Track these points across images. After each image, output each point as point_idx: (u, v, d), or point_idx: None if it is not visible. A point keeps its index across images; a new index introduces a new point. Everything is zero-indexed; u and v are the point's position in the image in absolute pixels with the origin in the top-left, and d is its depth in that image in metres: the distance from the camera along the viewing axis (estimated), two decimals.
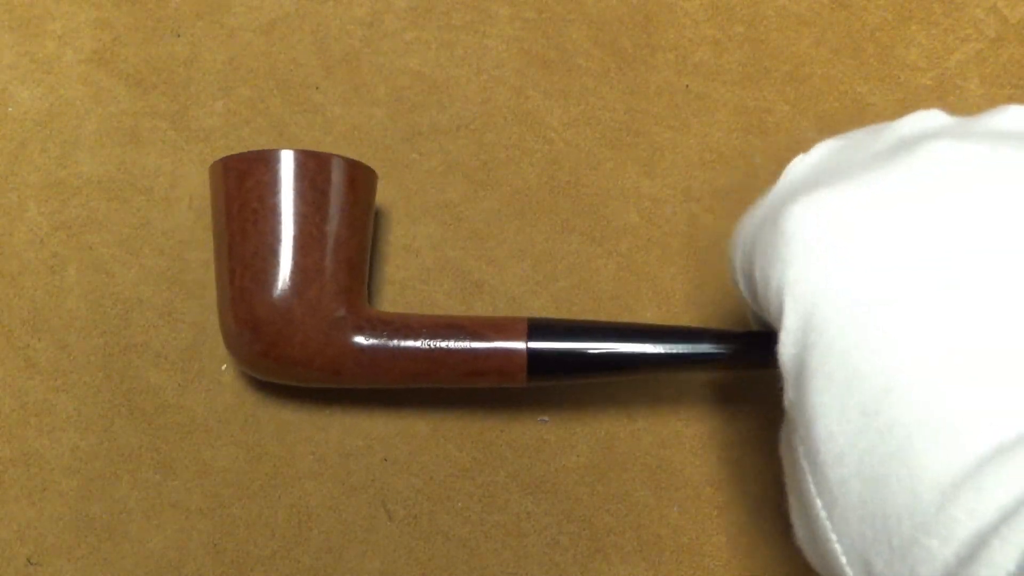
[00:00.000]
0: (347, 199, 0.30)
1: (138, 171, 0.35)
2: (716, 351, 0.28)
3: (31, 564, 0.32)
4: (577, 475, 0.33)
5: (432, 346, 0.29)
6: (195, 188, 0.35)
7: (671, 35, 0.36)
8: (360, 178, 0.31)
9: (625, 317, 0.34)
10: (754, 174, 0.35)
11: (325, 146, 0.35)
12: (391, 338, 0.30)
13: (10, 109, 0.35)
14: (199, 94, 0.35)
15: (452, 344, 0.29)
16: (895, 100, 0.35)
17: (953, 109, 0.36)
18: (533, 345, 0.29)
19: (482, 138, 0.35)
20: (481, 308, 0.34)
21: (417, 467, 0.33)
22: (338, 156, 0.30)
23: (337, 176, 0.30)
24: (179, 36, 0.36)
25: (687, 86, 0.35)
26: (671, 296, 0.34)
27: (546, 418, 0.33)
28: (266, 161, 0.29)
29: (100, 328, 0.33)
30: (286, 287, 0.29)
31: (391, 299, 0.34)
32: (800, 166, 0.26)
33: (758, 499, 0.33)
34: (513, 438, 0.33)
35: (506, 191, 0.35)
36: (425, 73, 0.36)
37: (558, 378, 0.29)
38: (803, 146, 0.36)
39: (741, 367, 0.29)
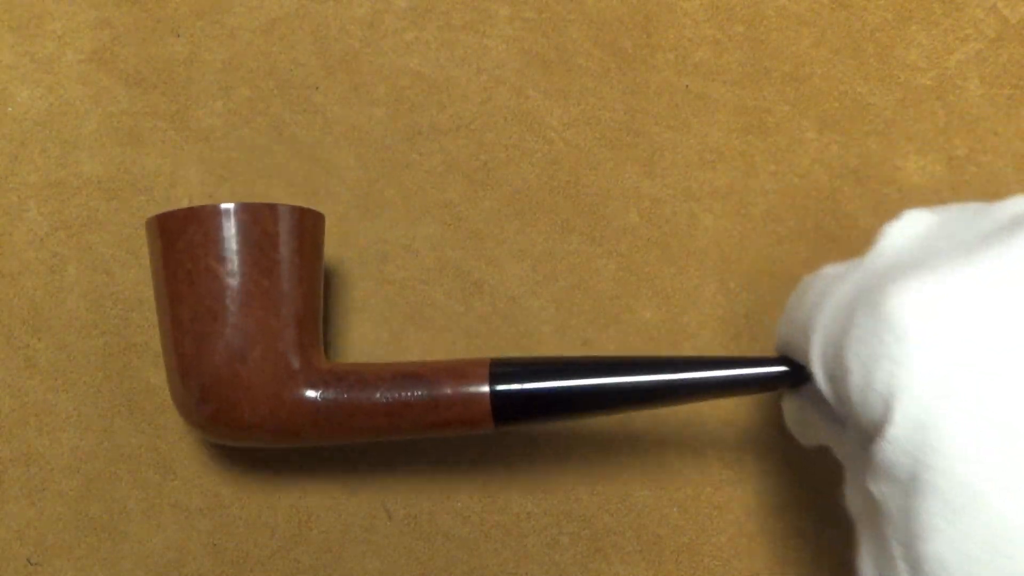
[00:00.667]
0: (290, 250, 0.28)
1: (138, 171, 0.35)
2: (704, 379, 0.26)
3: (31, 564, 0.32)
4: (577, 475, 0.33)
5: (390, 398, 0.28)
6: (195, 188, 0.35)
7: (671, 35, 0.36)
8: (304, 226, 0.29)
9: (625, 317, 0.34)
10: (754, 174, 0.35)
11: (325, 147, 0.35)
12: (346, 392, 0.28)
13: (10, 109, 0.35)
14: (199, 94, 0.35)
15: (410, 395, 0.28)
16: (895, 100, 0.35)
17: (953, 109, 0.36)
18: (499, 388, 0.27)
19: (482, 138, 0.35)
20: (481, 308, 0.34)
21: (417, 467, 0.33)
22: (275, 205, 0.28)
23: (276, 227, 0.28)
24: (179, 36, 0.36)
25: (687, 86, 0.35)
26: (671, 296, 0.34)
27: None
28: (197, 219, 0.28)
29: (100, 328, 0.33)
30: (230, 350, 0.28)
31: (391, 299, 0.34)
32: (898, 239, 0.23)
33: (758, 499, 0.33)
34: (513, 438, 0.33)
35: (506, 191, 0.35)
36: (425, 73, 0.36)
37: (531, 420, 0.28)
38: (803, 146, 0.36)
39: (737, 394, 0.27)
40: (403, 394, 0.28)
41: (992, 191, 0.35)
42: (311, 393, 0.28)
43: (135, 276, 0.34)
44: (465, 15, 0.36)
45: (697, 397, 0.27)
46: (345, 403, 0.28)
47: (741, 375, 0.26)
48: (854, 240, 0.35)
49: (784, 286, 0.34)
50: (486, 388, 0.27)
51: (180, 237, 0.28)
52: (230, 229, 0.28)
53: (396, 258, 0.34)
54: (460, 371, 0.28)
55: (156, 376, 0.33)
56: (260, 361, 0.28)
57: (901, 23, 0.36)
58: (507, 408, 0.27)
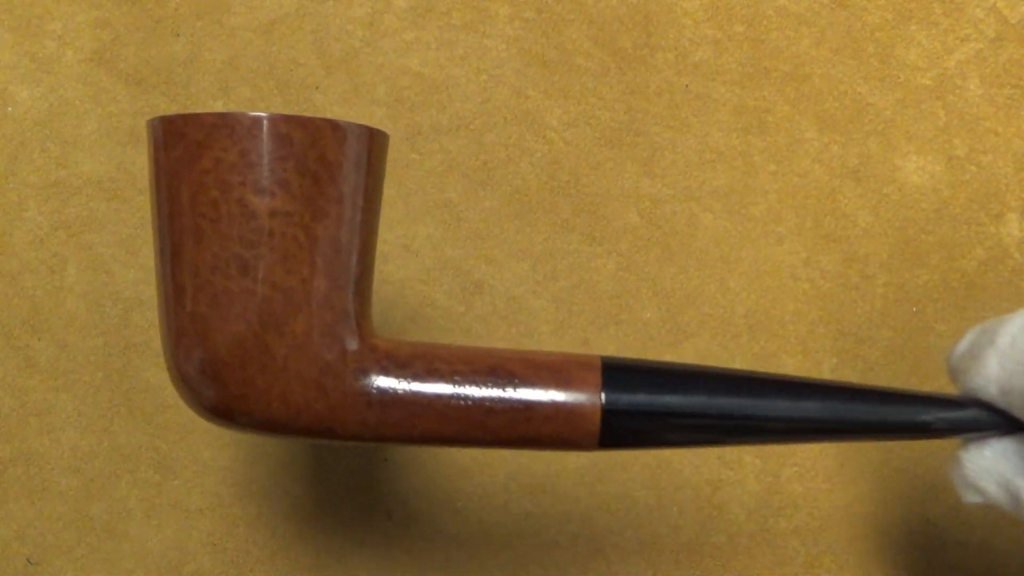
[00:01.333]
0: (354, 185, 0.21)
1: (138, 171, 0.35)
2: (898, 419, 0.22)
3: (31, 564, 0.32)
4: (577, 475, 0.33)
5: (467, 399, 0.21)
6: None
7: (671, 35, 0.36)
8: (373, 152, 0.22)
9: (625, 317, 0.34)
10: (754, 174, 0.35)
11: None
12: (409, 384, 0.21)
13: (10, 109, 0.35)
14: (199, 94, 0.35)
15: (495, 397, 0.21)
16: (895, 100, 0.35)
17: (953, 109, 0.36)
18: (613, 401, 0.21)
19: (482, 138, 0.35)
20: (481, 308, 0.34)
21: (417, 467, 0.33)
22: (340, 123, 0.21)
23: (340, 152, 0.21)
24: (179, 36, 0.36)
25: (687, 86, 0.35)
26: (671, 296, 0.34)
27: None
28: (233, 131, 0.20)
29: (100, 328, 0.33)
30: (262, 317, 0.21)
31: (390, 299, 0.34)
32: None
33: (758, 499, 0.33)
34: None
35: (506, 191, 0.35)
36: (425, 73, 0.36)
37: (647, 445, 0.22)
38: (803, 146, 0.36)
39: (922, 437, 0.22)
40: (485, 395, 0.21)
41: (992, 191, 0.35)
42: (364, 382, 0.21)
43: (135, 276, 0.34)
44: (465, 15, 0.36)
45: (875, 436, 0.22)
46: (407, 399, 0.21)
47: (947, 419, 0.22)
48: (854, 240, 0.35)
49: (785, 286, 0.34)
50: (597, 399, 0.21)
51: (206, 153, 0.20)
52: (279, 150, 0.21)
53: (396, 258, 0.34)
54: (562, 372, 0.21)
55: (156, 376, 0.33)
56: (302, 334, 0.21)
57: (901, 23, 0.36)
58: (621, 428, 0.21)
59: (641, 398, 0.21)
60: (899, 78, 0.35)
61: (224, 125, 0.20)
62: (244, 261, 0.21)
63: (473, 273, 0.34)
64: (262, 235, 0.21)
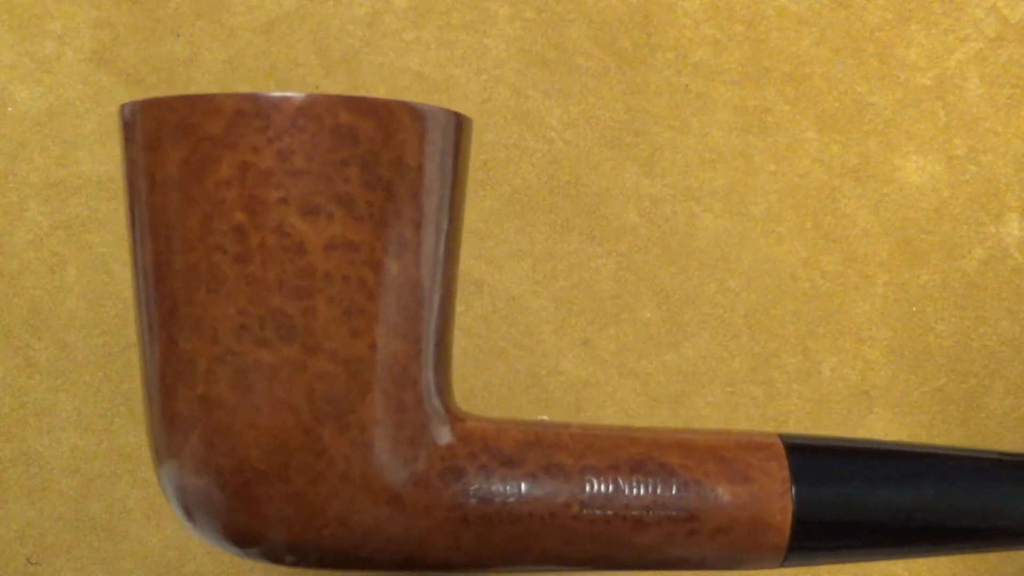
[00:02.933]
0: (437, 200, 0.15)
1: None
2: None
3: (31, 564, 0.32)
4: None
5: (606, 507, 0.14)
6: None
7: (671, 35, 0.36)
8: (460, 149, 0.15)
9: (625, 317, 0.34)
10: (754, 174, 0.35)
11: None
12: (523, 485, 0.14)
13: (10, 109, 0.35)
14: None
15: (646, 500, 0.14)
16: (895, 100, 0.35)
17: (953, 109, 0.36)
18: (803, 498, 0.15)
19: (482, 138, 0.35)
20: (481, 308, 0.34)
21: None
22: (418, 106, 0.14)
23: (420, 151, 0.14)
24: (179, 36, 0.36)
25: (687, 86, 0.35)
26: (671, 296, 0.34)
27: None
28: (267, 119, 0.13)
29: (100, 328, 0.33)
30: (314, 403, 0.14)
31: None
32: None
33: None
34: None
35: (506, 191, 0.35)
36: (425, 73, 0.36)
37: (834, 560, 0.16)
38: (803, 146, 0.36)
39: None
40: (632, 501, 0.14)
41: (992, 191, 0.35)
42: (457, 488, 0.14)
43: None
44: (465, 15, 0.36)
45: None
46: (518, 511, 0.14)
47: None
48: (854, 240, 0.35)
49: (784, 286, 0.34)
50: (788, 500, 0.15)
51: (227, 155, 0.13)
52: (338, 150, 0.14)
53: None
54: (736, 460, 0.15)
55: None
56: (370, 425, 0.14)
57: (901, 23, 0.36)
58: (813, 539, 0.15)
59: (840, 497, 0.15)
60: (899, 78, 0.35)
61: (255, 113, 0.13)
62: (287, 319, 0.14)
63: (473, 273, 0.34)
64: (314, 279, 0.14)
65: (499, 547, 0.14)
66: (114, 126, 0.35)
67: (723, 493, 0.15)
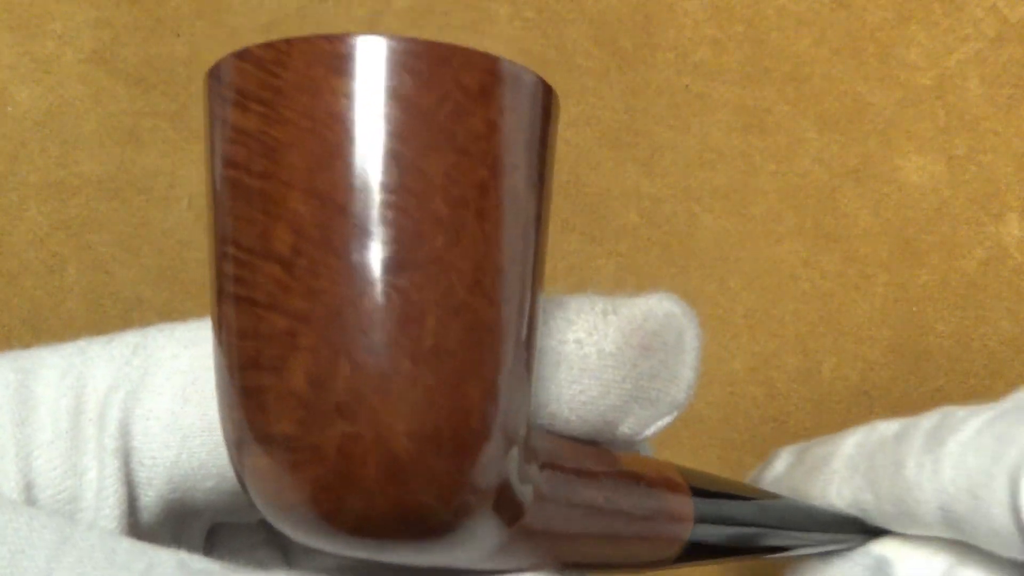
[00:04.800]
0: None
1: (138, 171, 0.35)
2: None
3: None
4: None
5: (614, 503, 0.16)
6: (195, 187, 0.35)
7: (671, 35, 0.36)
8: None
9: None
10: (754, 174, 0.35)
11: None
12: (566, 488, 0.15)
13: (10, 109, 0.35)
14: (199, 94, 0.35)
15: (632, 502, 0.17)
16: (895, 100, 0.35)
17: (953, 109, 0.36)
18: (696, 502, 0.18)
19: None
20: None
21: None
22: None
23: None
24: (179, 36, 0.36)
25: (687, 86, 0.35)
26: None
27: None
28: (514, 84, 0.14)
29: (100, 328, 0.33)
30: (505, 359, 0.14)
31: None
32: None
33: None
34: None
35: None
36: None
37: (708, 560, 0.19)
38: (803, 146, 0.36)
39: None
40: (625, 500, 0.17)
41: (992, 191, 0.35)
42: (533, 477, 0.15)
43: (135, 276, 0.34)
44: (465, 15, 0.36)
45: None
46: (568, 501, 0.15)
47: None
48: (854, 240, 0.35)
49: (784, 286, 0.34)
50: (689, 505, 0.18)
51: (474, 112, 0.14)
52: (546, 128, 0.15)
53: None
54: (667, 479, 0.18)
55: None
56: (507, 390, 0.14)
57: (901, 23, 0.36)
58: (700, 541, 0.18)
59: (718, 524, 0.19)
60: (899, 78, 0.35)
61: (499, 79, 0.14)
62: (507, 281, 0.14)
63: None
64: (526, 245, 0.14)
65: (552, 542, 0.15)
66: (114, 126, 0.35)
67: (666, 498, 0.17)
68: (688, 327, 0.18)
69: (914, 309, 0.34)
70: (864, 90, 0.35)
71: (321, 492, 0.13)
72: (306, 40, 0.13)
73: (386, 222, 0.13)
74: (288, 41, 0.13)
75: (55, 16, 0.36)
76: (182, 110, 0.35)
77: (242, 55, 0.13)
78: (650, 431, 0.18)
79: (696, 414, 0.33)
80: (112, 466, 0.15)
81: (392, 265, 0.13)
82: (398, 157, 0.13)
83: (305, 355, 0.12)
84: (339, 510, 0.13)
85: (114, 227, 0.34)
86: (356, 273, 0.13)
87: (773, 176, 0.35)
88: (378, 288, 0.13)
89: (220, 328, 0.13)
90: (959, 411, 0.20)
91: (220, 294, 0.13)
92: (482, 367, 0.13)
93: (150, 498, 0.16)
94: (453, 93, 0.13)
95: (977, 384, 0.35)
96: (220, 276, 0.13)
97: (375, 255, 0.13)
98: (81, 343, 0.17)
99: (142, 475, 0.16)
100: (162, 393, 0.16)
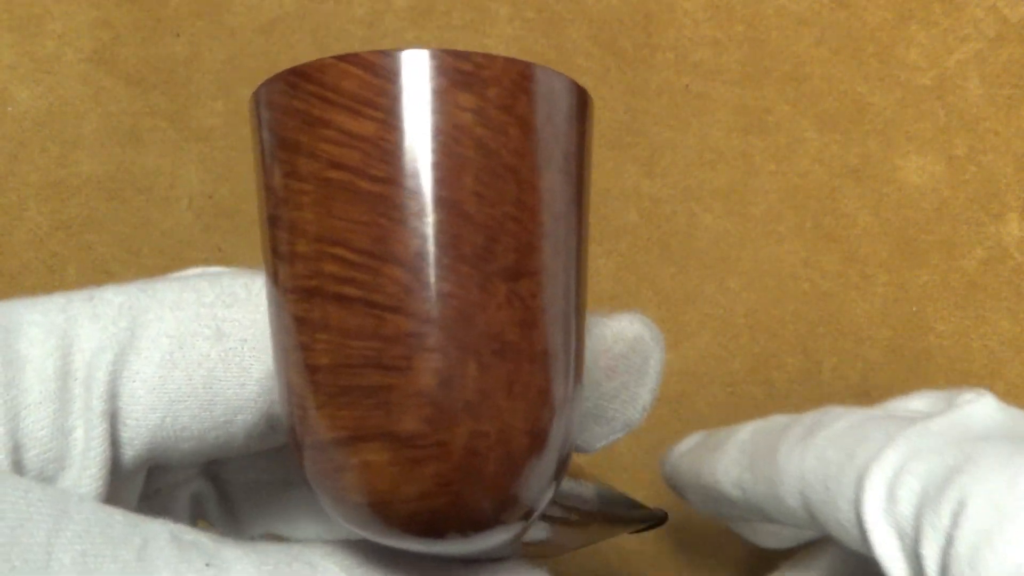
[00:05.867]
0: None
1: (138, 171, 0.35)
2: None
3: None
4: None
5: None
6: (195, 187, 0.35)
7: (671, 35, 0.36)
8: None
9: None
10: (754, 174, 0.35)
11: None
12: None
13: (10, 109, 0.35)
14: (199, 94, 0.35)
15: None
16: (895, 100, 0.35)
17: (953, 109, 0.36)
18: None
19: None
20: None
21: None
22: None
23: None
24: (179, 36, 0.36)
25: (687, 86, 0.35)
26: (671, 296, 0.34)
27: None
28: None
29: None
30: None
31: None
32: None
33: None
34: None
35: None
36: None
37: None
38: (803, 146, 0.36)
39: None
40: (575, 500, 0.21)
41: (992, 191, 0.35)
42: None
43: (135, 276, 0.34)
44: (465, 15, 0.36)
45: None
46: None
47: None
48: (854, 240, 0.35)
49: (785, 286, 0.34)
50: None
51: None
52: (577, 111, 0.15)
53: None
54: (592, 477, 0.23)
55: None
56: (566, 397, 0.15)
57: (901, 23, 0.36)
58: None
59: None
60: (899, 78, 0.35)
61: (588, 102, 0.16)
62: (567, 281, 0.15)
63: None
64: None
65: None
66: (114, 126, 0.35)
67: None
68: (654, 352, 0.18)
69: (914, 309, 0.34)
70: (864, 90, 0.35)
71: (441, 487, 0.13)
72: (426, 50, 0.13)
73: (508, 232, 0.13)
74: (403, 51, 0.13)
75: (55, 16, 0.36)
76: (182, 110, 0.35)
77: (352, 60, 0.13)
78: (599, 446, 0.18)
79: (696, 414, 0.33)
80: (99, 428, 0.15)
81: (513, 272, 0.14)
82: (516, 172, 0.14)
83: (434, 355, 0.13)
84: (455, 504, 0.13)
85: (114, 227, 0.34)
86: (484, 278, 0.13)
87: (773, 176, 0.35)
88: (503, 293, 0.13)
89: (311, 328, 0.13)
90: (838, 409, 0.21)
91: (314, 294, 0.13)
92: (572, 370, 0.14)
93: (128, 457, 0.16)
94: (555, 116, 0.14)
95: (977, 384, 0.35)
96: (317, 276, 0.13)
97: (501, 262, 0.13)
98: (59, 299, 0.16)
99: (125, 435, 0.16)
100: (149, 357, 0.16)
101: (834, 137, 0.35)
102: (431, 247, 0.13)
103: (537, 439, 0.14)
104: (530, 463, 0.14)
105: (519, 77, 0.14)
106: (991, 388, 0.35)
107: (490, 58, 0.14)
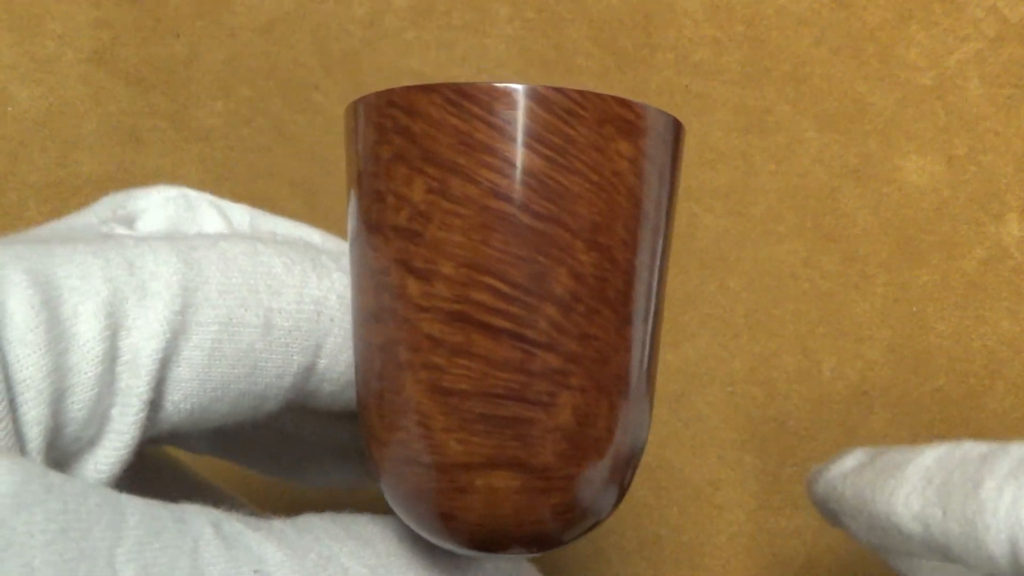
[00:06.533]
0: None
1: (138, 171, 0.35)
2: None
3: None
4: None
5: None
6: (195, 187, 0.35)
7: (671, 35, 0.36)
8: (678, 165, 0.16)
9: None
10: (754, 174, 0.35)
11: (325, 147, 0.35)
12: None
13: (10, 109, 0.35)
14: (199, 94, 0.35)
15: None
16: (895, 100, 0.35)
17: (953, 109, 0.36)
18: None
19: None
20: None
21: None
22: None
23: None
24: (179, 36, 0.36)
25: (687, 86, 0.35)
26: (671, 296, 0.34)
27: None
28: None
29: None
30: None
31: None
32: None
33: (758, 499, 0.33)
34: None
35: None
36: (425, 73, 0.36)
37: None
38: (803, 146, 0.36)
39: None
40: None
41: (992, 191, 0.35)
42: None
43: None
44: (465, 15, 0.36)
45: None
46: None
47: None
48: (854, 240, 0.35)
49: (784, 286, 0.34)
50: None
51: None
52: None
53: None
54: None
55: None
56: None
57: (901, 23, 0.36)
58: None
59: None
60: (899, 78, 0.35)
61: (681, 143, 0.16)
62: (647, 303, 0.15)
63: None
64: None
65: None
66: (114, 126, 0.35)
67: None
68: None
69: (914, 309, 0.34)
70: (864, 90, 0.35)
71: (557, 516, 0.14)
72: (600, 97, 0.14)
73: (641, 280, 0.14)
74: (582, 93, 0.14)
75: (55, 16, 0.36)
76: (182, 110, 0.35)
77: (529, 94, 0.13)
78: None
79: (696, 414, 0.33)
80: (138, 415, 0.15)
81: (642, 317, 0.15)
82: (653, 222, 0.15)
83: (576, 395, 0.14)
84: (562, 530, 0.14)
85: None
86: (620, 322, 0.14)
87: (773, 176, 0.35)
88: (630, 337, 0.14)
89: (449, 351, 0.14)
90: None
91: (457, 318, 0.14)
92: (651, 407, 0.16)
93: (151, 434, 0.16)
94: (676, 166, 0.15)
95: (977, 384, 0.35)
96: (463, 302, 0.14)
97: (632, 307, 0.14)
98: (94, 260, 0.15)
99: (158, 416, 0.16)
100: (198, 345, 0.15)
101: (834, 137, 0.35)
102: (584, 289, 0.14)
103: (634, 469, 0.15)
104: (621, 491, 0.15)
105: (664, 129, 0.14)
106: (991, 388, 0.35)
107: (645, 108, 0.14)
